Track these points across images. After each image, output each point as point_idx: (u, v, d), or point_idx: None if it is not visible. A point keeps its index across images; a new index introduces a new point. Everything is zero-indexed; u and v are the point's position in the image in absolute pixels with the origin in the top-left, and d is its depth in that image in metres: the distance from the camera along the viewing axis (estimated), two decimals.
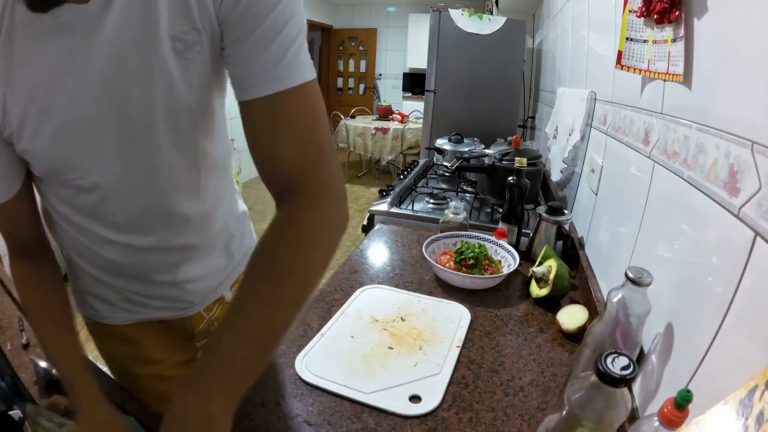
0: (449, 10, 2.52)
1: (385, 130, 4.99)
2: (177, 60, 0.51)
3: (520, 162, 1.13)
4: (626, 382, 0.44)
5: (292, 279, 0.49)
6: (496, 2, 3.12)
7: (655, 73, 0.70)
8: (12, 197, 0.57)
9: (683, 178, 0.58)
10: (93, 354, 0.82)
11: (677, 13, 0.61)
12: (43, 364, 0.67)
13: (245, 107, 0.51)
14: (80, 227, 0.62)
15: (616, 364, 0.45)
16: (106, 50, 0.48)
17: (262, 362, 0.48)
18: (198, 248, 0.70)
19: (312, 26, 6.51)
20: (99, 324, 0.74)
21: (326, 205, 0.52)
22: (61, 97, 0.50)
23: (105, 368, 0.80)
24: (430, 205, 1.54)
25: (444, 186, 1.77)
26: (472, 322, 0.86)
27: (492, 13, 3.26)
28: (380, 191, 1.62)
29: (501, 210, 1.21)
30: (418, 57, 6.03)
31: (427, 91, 2.68)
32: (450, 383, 0.69)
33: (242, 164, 4.34)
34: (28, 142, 0.52)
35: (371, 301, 0.92)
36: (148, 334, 0.75)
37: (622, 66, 0.84)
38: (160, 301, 0.73)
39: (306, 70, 0.51)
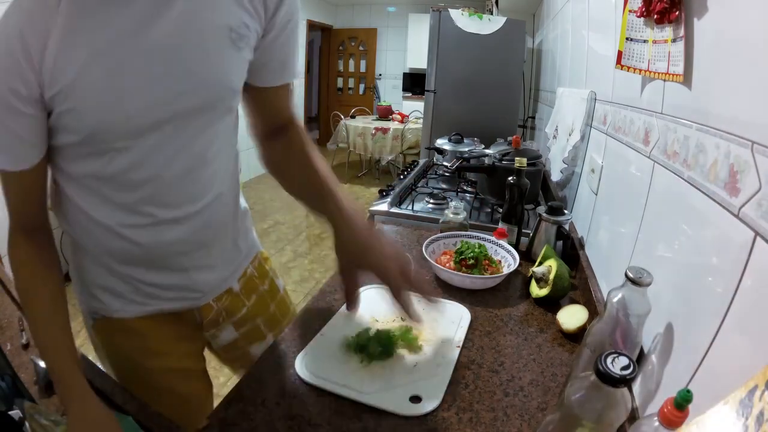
0: (449, 10, 2.53)
1: (385, 130, 4.99)
2: (231, 48, 0.62)
3: (520, 162, 1.13)
4: (626, 382, 0.44)
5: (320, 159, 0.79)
6: (496, 2, 3.13)
7: (655, 73, 0.70)
8: (33, 166, 0.59)
9: (683, 178, 0.58)
10: (92, 355, 0.82)
11: (677, 13, 0.61)
12: (43, 364, 0.67)
13: (263, 88, 0.73)
14: (104, 205, 0.64)
15: (616, 364, 0.45)
16: (170, 26, 0.56)
17: None
18: (214, 230, 0.74)
19: (312, 26, 6.50)
20: (106, 318, 0.75)
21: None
22: (123, 59, 0.55)
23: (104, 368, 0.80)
24: (430, 205, 1.54)
25: (444, 186, 1.76)
26: (472, 322, 0.86)
27: (492, 13, 3.26)
28: (380, 191, 1.62)
29: (501, 210, 1.21)
30: (418, 57, 6.03)
31: (427, 91, 2.68)
32: (450, 383, 0.69)
33: (242, 164, 4.34)
34: (79, 99, 0.54)
35: (371, 301, 0.92)
36: (157, 325, 0.76)
37: (622, 66, 0.84)
38: (173, 292, 0.75)
39: (299, 64, 0.73)
